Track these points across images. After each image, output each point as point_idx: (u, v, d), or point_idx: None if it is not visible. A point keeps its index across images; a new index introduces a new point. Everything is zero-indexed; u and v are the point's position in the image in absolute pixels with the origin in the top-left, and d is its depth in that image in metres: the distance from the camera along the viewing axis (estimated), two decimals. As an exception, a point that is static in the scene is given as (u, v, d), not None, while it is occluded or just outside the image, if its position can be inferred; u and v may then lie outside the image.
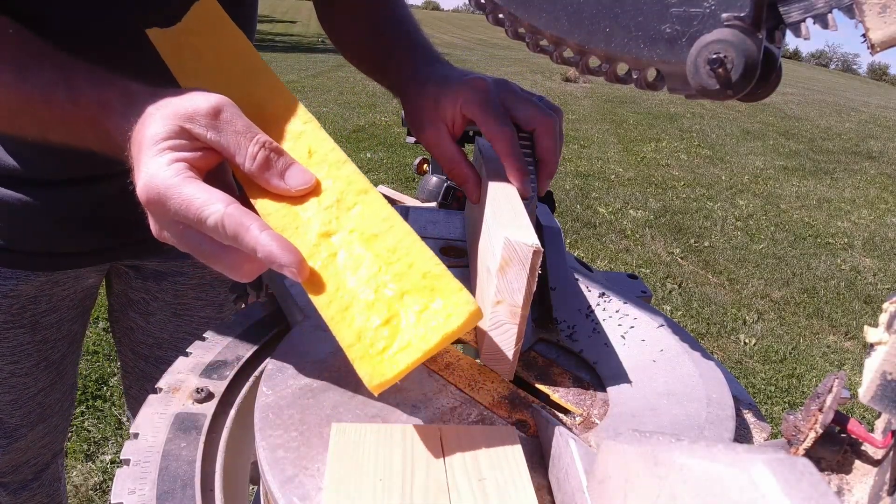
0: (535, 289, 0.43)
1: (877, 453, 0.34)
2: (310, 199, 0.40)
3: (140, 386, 0.97)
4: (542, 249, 0.42)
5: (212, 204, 0.36)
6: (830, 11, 0.31)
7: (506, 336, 0.45)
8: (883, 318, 0.29)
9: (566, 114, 7.45)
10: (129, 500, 0.37)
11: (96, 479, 1.65)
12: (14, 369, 0.81)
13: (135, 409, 1.02)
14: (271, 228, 0.37)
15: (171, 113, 0.39)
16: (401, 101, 0.64)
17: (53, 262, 0.76)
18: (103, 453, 1.73)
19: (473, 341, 0.51)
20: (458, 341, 0.52)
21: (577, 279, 0.59)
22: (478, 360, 0.49)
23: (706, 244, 3.86)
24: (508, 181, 0.53)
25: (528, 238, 0.42)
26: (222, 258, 0.38)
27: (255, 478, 0.48)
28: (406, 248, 0.38)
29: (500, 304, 0.45)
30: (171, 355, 0.93)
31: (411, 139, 1.38)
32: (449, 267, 0.63)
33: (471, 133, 1.37)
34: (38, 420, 0.88)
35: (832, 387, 0.33)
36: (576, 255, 1.17)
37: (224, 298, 0.93)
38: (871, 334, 0.29)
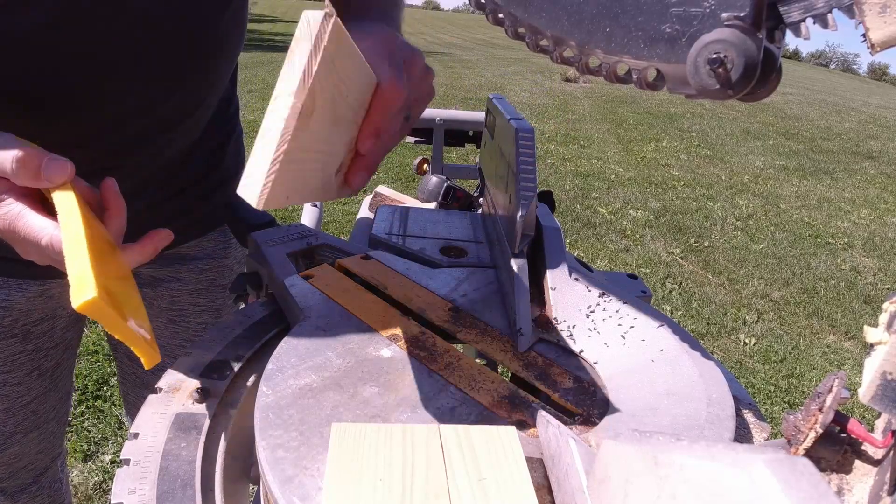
0: (317, 70, 0.33)
1: (877, 453, 0.34)
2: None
3: (137, 392, 0.96)
4: (335, 14, 0.34)
5: (44, 229, 0.45)
6: (830, 11, 0.31)
7: (267, 143, 0.34)
8: (883, 318, 0.29)
9: (566, 114, 7.45)
10: (129, 500, 0.37)
11: (96, 479, 1.65)
12: (7, 378, 0.80)
13: (133, 414, 1.01)
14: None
15: None
16: None
17: (45, 269, 0.76)
18: (103, 453, 1.74)
19: (473, 341, 0.51)
20: (457, 341, 0.52)
21: (577, 279, 0.59)
22: (477, 360, 0.49)
23: (706, 244, 3.86)
24: None
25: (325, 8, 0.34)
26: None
27: (255, 478, 0.48)
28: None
29: (275, 100, 0.34)
30: (169, 363, 0.92)
31: (411, 139, 1.37)
32: (449, 266, 0.64)
33: (470, 133, 1.37)
34: (32, 427, 0.87)
35: (832, 387, 0.33)
36: (576, 255, 1.17)
37: (221, 303, 0.92)
38: (871, 334, 0.29)
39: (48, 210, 0.46)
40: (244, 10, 0.72)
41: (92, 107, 0.62)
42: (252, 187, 0.35)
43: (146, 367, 0.40)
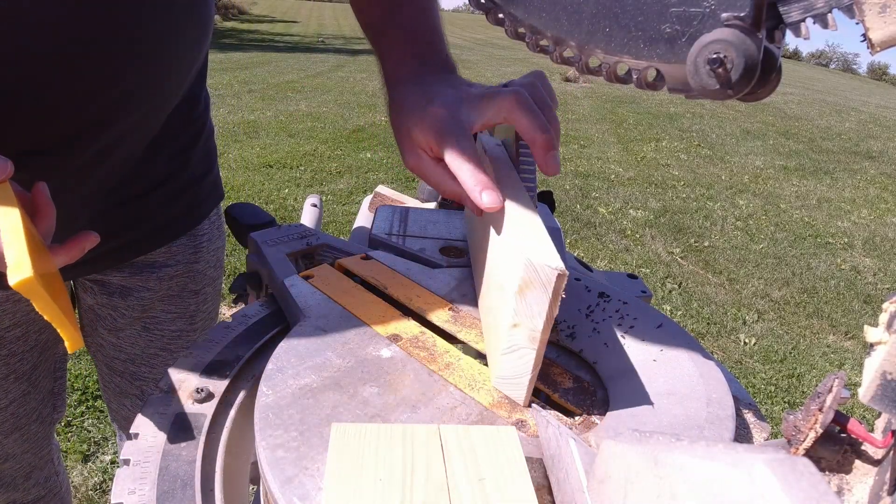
0: (556, 313, 0.40)
1: (877, 453, 0.34)
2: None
3: (119, 401, 0.95)
4: (567, 273, 0.39)
5: None
6: (830, 11, 0.31)
7: (522, 361, 0.43)
8: (883, 317, 0.29)
9: (566, 114, 7.45)
10: (129, 500, 0.37)
11: (96, 479, 1.65)
12: None
13: (118, 422, 1.01)
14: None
15: None
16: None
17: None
18: (103, 453, 1.73)
19: (473, 341, 0.51)
20: (458, 341, 0.52)
21: (577, 279, 0.59)
22: (477, 360, 0.49)
23: (706, 244, 3.86)
24: (519, 187, 0.51)
25: (552, 260, 0.40)
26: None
27: (255, 478, 0.48)
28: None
29: (517, 327, 0.42)
30: (145, 371, 0.90)
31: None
32: (449, 267, 0.64)
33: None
34: (13, 429, 0.86)
35: (832, 386, 0.33)
36: (576, 255, 1.17)
37: (195, 309, 0.90)
38: (871, 334, 0.29)
39: None
40: (200, 6, 0.67)
41: (28, 96, 0.58)
42: (518, 389, 0.44)
43: (69, 351, 0.43)
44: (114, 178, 0.73)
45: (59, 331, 0.43)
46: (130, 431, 0.43)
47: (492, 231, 0.51)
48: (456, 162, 0.51)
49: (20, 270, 0.41)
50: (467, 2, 0.53)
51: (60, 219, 0.51)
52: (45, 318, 0.42)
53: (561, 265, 0.39)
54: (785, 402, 2.36)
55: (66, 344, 0.43)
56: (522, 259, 0.41)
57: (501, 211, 0.48)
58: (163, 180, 0.80)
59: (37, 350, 0.84)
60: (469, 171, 0.50)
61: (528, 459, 0.37)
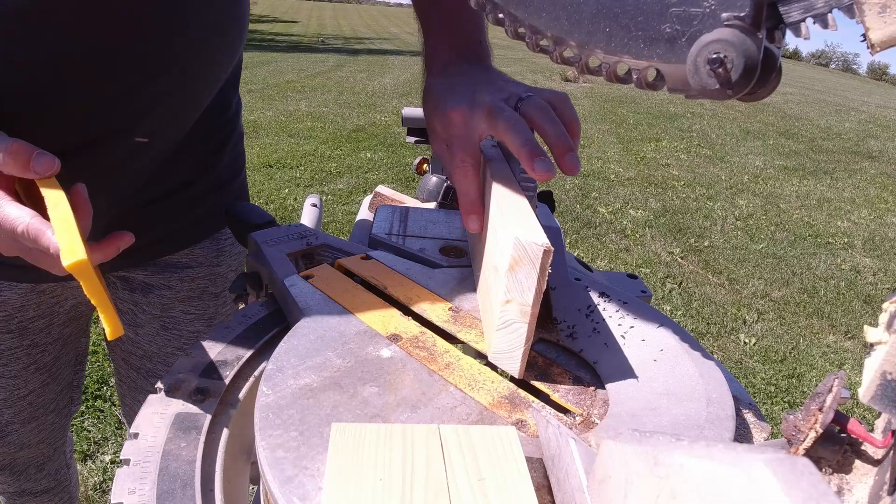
0: (544, 287, 0.43)
1: (877, 453, 0.34)
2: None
3: (133, 396, 0.96)
4: (553, 249, 0.42)
5: (20, 217, 0.47)
6: (830, 11, 0.31)
7: (515, 335, 0.46)
8: (883, 317, 0.29)
9: (566, 114, 7.44)
10: (129, 500, 0.37)
11: (96, 479, 1.65)
12: (3, 371, 0.80)
13: (129, 417, 1.01)
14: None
15: None
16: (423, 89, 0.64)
17: (36, 274, 0.73)
18: (103, 453, 1.74)
19: (473, 341, 0.51)
20: (458, 341, 0.52)
21: (577, 279, 0.59)
22: (477, 360, 0.49)
23: (706, 244, 3.86)
24: (511, 181, 0.53)
25: (538, 237, 0.43)
26: (39, 259, 0.49)
27: (255, 478, 0.48)
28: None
29: (509, 303, 0.45)
30: (161, 369, 0.92)
31: (411, 139, 1.37)
32: (449, 267, 0.64)
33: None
34: (31, 418, 0.87)
35: (832, 386, 0.33)
36: (576, 255, 1.17)
37: (214, 311, 0.91)
38: (871, 334, 0.29)
39: (21, 203, 0.49)
40: (235, 12, 0.69)
41: (58, 96, 0.59)
42: (512, 362, 0.47)
43: (109, 338, 0.45)
44: (142, 178, 0.74)
45: (102, 316, 0.44)
46: (130, 431, 0.43)
47: (489, 221, 0.53)
48: (507, 135, 0.52)
49: (74, 253, 0.42)
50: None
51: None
52: (93, 302, 0.43)
53: (546, 242, 0.42)
54: (785, 402, 2.36)
55: (108, 330, 0.44)
56: (511, 239, 0.43)
57: (496, 203, 0.50)
58: (189, 182, 0.81)
59: (59, 343, 0.85)
60: (522, 138, 0.51)
61: (528, 459, 0.37)
